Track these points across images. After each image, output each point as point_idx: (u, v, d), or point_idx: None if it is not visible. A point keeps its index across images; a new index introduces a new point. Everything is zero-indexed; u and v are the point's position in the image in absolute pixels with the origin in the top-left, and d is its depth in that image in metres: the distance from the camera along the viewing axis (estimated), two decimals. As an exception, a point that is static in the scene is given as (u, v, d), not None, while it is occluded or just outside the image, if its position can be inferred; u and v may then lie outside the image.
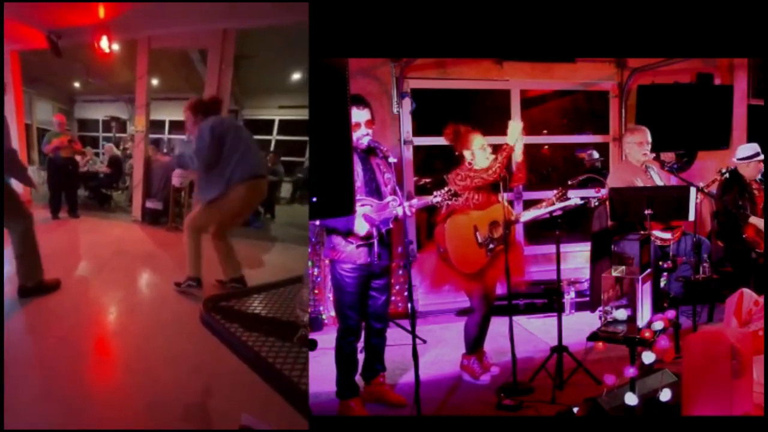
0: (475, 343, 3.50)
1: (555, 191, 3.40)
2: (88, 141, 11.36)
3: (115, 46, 6.60)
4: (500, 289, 3.53)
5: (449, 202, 3.04)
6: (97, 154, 10.37)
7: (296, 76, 8.96)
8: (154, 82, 8.62)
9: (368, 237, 2.95)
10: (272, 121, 11.86)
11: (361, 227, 2.93)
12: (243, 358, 1.67)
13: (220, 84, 6.72)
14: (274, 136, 11.85)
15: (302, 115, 10.69)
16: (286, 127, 11.63)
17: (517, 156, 3.43)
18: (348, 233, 2.95)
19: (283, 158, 10.38)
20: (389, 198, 3.02)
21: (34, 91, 10.18)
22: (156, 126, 10.27)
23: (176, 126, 11.12)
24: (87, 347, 3.37)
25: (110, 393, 2.84)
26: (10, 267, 4.12)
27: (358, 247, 2.97)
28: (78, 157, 8.00)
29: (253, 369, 1.62)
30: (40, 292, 4.04)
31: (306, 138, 11.15)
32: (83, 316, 3.84)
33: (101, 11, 5.81)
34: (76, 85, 11.14)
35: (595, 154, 5.99)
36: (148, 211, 7.48)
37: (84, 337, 3.50)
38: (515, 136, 3.31)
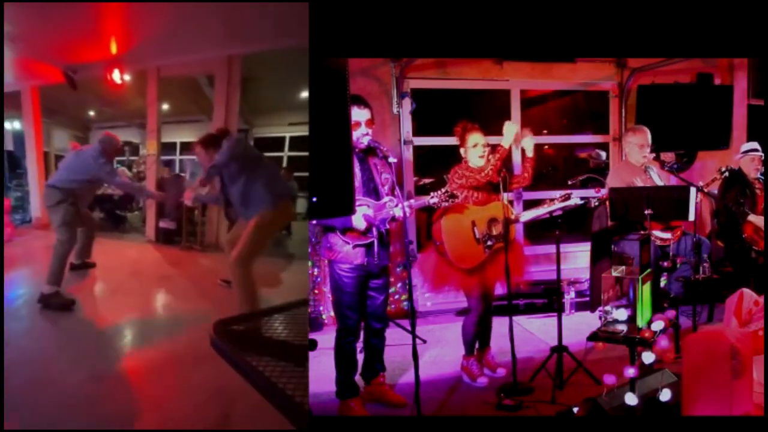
0: (472, 343, 3.50)
1: (559, 194, 3.39)
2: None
3: (127, 77, 6.90)
4: (500, 289, 3.53)
5: (446, 203, 3.05)
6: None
7: (304, 93, 9.08)
8: (165, 107, 8.86)
9: (368, 230, 2.95)
10: (283, 138, 11.96)
11: (359, 222, 2.93)
12: (252, 383, 1.63)
13: (228, 106, 6.88)
14: (286, 153, 11.93)
15: (313, 130, 10.77)
16: (297, 143, 11.70)
17: (529, 151, 3.43)
18: (345, 230, 2.96)
19: (296, 174, 10.45)
20: (386, 198, 3.03)
21: (52, 122, 10.52)
22: (168, 148, 10.46)
23: (187, 147, 11.37)
24: (101, 369, 3.32)
25: (123, 416, 2.80)
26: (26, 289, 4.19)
27: (354, 247, 2.97)
28: None
29: (262, 394, 1.59)
30: (57, 302, 4.15)
31: (318, 153, 11.26)
32: (98, 338, 3.83)
33: (113, 47, 6.14)
34: (91, 113, 11.47)
35: (603, 155, 5.99)
36: (162, 230, 7.52)
37: (98, 358, 3.46)
38: (510, 138, 3.31)
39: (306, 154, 11.61)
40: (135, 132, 11.54)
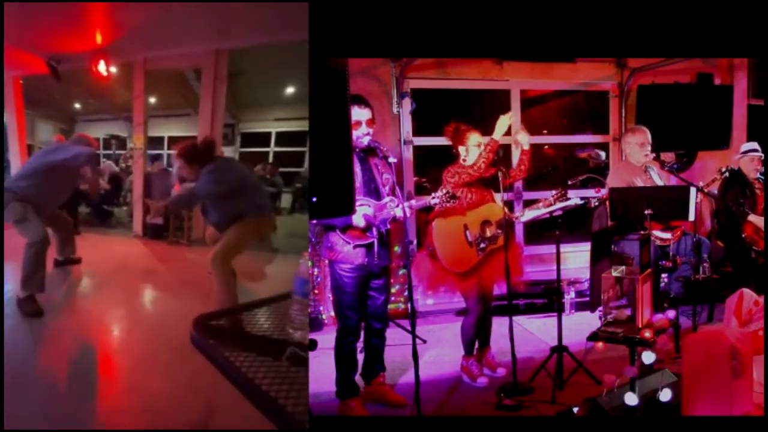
0: (472, 343, 3.50)
1: (554, 192, 3.38)
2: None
3: (113, 69, 6.81)
4: (499, 289, 3.53)
5: (447, 204, 3.04)
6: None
7: (290, 89, 9.15)
8: (152, 100, 8.86)
9: (367, 229, 2.95)
10: (269, 134, 12.03)
11: (359, 219, 2.93)
12: (231, 379, 1.62)
13: (214, 100, 6.87)
14: (272, 148, 12.00)
15: (298, 126, 10.93)
16: (283, 138, 11.78)
17: (525, 144, 3.42)
18: (346, 228, 2.95)
19: (281, 169, 10.45)
20: (387, 198, 3.02)
21: (36, 114, 10.42)
22: (155, 142, 10.44)
23: (175, 141, 11.38)
24: (87, 364, 3.34)
25: (111, 411, 2.82)
26: (11, 285, 4.16)
27: (355, 247, 2.97)
28: None
29: (240, 390, 1.58)
30: (25, 308, 4.04)
31: (303, 149, 11.38)
32: (84, 333, 3.82)
33: (98, 37, 6.03)
34: (76, 106, 11.39)
35: (602, 155, 5.99)
36: (149, 225, 7.53)
37: (84, 354, 3.48)
38: (502, 130, 3.28)
39: (291, 149, 11.71)
40: (122, 125, 11.54)
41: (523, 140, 3.43)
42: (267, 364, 1.66)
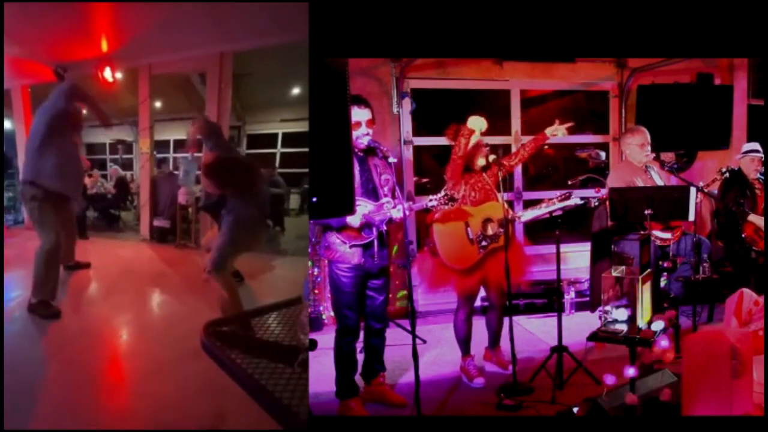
0: (466, 342, 3.52)
1: (560, 193, 3.37)
2: (96, 164, 11.57)
3: (118, 75, 6.88)
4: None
5: (445, 207, 3.04)
6: (104, 176, 10.48)
7: (296, 90, 9.13)
8: (157, 104, 8.82)
9: (362, 228, 2.95)
10: (276, 135, 11.98)
11: (354, 219, 2.92)
12: (242, 385, 1.62)
13: (220, 103, 6.88)
14: (279, 149, 11.96)
15: (305, 127, 10.81)
16: (290, 139, 11.73)
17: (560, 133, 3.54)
18: (341, 227, 2.95)
19: (288, 170, 10.41)
20: (384, 199, 3.02)
21: None
22: (161, 146, 10.45)
23: (181, 145, 11.39)
24: (96, 369, 3.32)
25: (119, 416, 2.81)
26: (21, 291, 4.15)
27: (351, 247, 2.97)
28: (86, 180, 8.03)
29: (251, 395, 1.58)
30: (41, 312, 4.02)
31: (310, 149, 11.27)
32: (93, 338, 3.81)
33: (104, 44, 6.12)
34: (83, 112, 11.36)
35: (602, 155, 5.98)
36: (156, 229, 7.50)
37: (93, 359, 3.46)
38: (478, 127, 3.30)
39: (299, 150, 11.69)
40: (128, 130, 11.57)
41: (560, 133, 3.55)
42: (278, 370, 1.65)
